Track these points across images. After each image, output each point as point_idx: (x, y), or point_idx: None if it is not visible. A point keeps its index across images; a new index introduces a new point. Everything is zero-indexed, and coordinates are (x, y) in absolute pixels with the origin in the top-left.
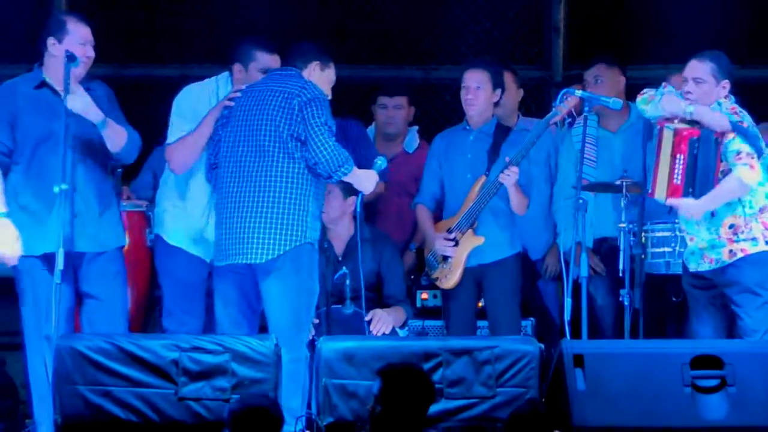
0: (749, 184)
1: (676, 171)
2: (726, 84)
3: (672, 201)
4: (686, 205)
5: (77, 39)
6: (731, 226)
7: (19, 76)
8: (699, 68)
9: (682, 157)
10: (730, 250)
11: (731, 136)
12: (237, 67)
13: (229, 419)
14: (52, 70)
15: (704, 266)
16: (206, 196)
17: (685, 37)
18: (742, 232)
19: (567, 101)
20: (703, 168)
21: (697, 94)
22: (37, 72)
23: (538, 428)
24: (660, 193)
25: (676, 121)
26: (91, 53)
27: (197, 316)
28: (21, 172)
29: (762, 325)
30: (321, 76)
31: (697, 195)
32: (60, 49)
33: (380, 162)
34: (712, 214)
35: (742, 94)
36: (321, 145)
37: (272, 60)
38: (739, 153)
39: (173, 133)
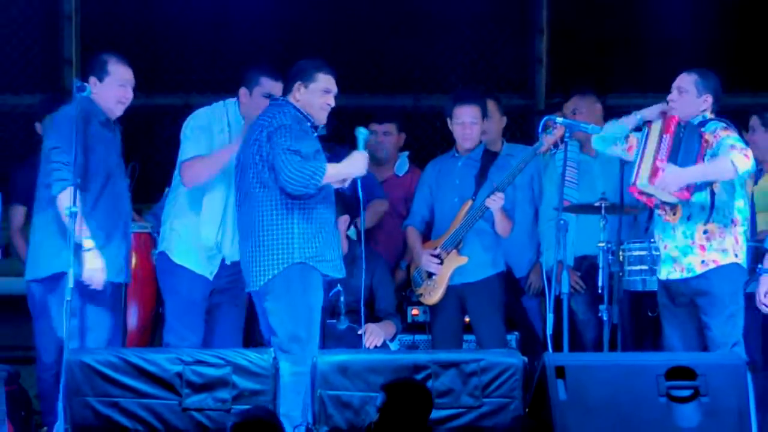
0: (739, 170)
1: (660, 151)
2: (708, 98)
3: (660, 164)
4: (671, 170)
5: (117, 80)
6: (705, 232)
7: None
8: (684, 78)
9: (668, 137)
10: (702, 261)
11: (725, 133)
12: (243, 92)
13: (231, 431)
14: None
15: (675, 275)
16: (220, 215)
17: (660, 67)
18: (715, 240)
19: (554, 133)
20: (685, 153)
21: (678, 103)
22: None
23: None
24: (642, 179)
25: None
26: (130, 95)
27: (197, 332)
28: (90, 201)
29: (730, 338)
30: (306, 94)
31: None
32: (100, 88)
33: (362, 133)
34: (688, 218)
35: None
36: (283, 168)
37: (276, 86)
38: (734, 145)
39: (186, 152)
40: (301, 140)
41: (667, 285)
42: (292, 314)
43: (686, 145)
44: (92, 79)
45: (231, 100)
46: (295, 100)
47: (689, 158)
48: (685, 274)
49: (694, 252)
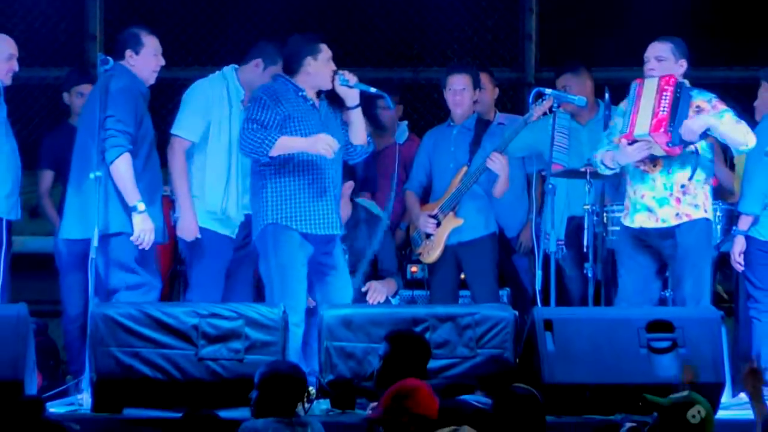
0: (750, 145)
1: (662, 105)
2: (683, 63)
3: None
4: (695, 118)
5: (151, 50)
6: (682, 186)
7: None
8: (660, 47)
9: (668, 94)
10: (677, 213)
11: (724, 106)
12: (256, 62)
13: (259, 382)
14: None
15: (650, 224)
16: (223, 181)
17: (643, 42)
18: (690, 195)
19: (543, 103)
20: (681, 110)
21: (659, 71)
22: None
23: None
24: (641, 129)
25: None
26: (162, 61)
27: (218, 293)
28: (139, 167)
29: (701, 295)
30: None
31: (674, 133)
32: (137, 60)
33: (340, 77)
34: (669, 171)
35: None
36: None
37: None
38: (740, 121)
39: (177, 125)
40: (267, 110)
41: (635, 233)
42: (267, 272)
43: (682, 102)
44: (128, 52)
45: (229, 69)
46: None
47: (683, 115)
48: (659, 224)
49: (670, 204)
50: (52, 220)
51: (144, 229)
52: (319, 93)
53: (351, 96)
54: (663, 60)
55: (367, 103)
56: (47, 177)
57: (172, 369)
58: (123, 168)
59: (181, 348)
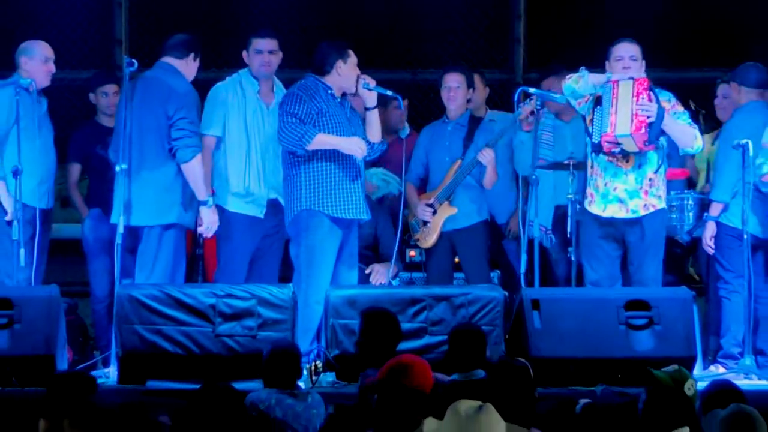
0: (694, 146)
1: (640, 107)
2: (643, 64)
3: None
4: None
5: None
6: (650, 180)
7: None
8: (633, 48)
9: (644, 96)
10: (645, 204)
11: (682, 108)
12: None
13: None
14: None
15: (620, 214)
16: (243, 164)
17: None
18: (654, 187)
19: (529, 102)
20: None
21: (634, 70)
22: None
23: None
24: (622, 129)
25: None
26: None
27: (242, 275)
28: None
29: (658, 275)
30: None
31: (651, 133)
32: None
33: (363, 81)
34: (639, 166)
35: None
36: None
37: None
38: (693, 125)
39: (204, 125)
40: (303, 104)
41: (604, 221)
42: (297, 253)
43: (658, 105)
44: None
45: (244, 71)
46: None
47: (659, 117)
48: (629, 215)
49: (639, 196)
50: (80, 209)
51: (213, 220)
52: (343, 94)
53: (370, 98)
54: (636, 60)
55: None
56: (75, 170)
57: (191, 344)
58: (198, 167)
59: (200, 325)
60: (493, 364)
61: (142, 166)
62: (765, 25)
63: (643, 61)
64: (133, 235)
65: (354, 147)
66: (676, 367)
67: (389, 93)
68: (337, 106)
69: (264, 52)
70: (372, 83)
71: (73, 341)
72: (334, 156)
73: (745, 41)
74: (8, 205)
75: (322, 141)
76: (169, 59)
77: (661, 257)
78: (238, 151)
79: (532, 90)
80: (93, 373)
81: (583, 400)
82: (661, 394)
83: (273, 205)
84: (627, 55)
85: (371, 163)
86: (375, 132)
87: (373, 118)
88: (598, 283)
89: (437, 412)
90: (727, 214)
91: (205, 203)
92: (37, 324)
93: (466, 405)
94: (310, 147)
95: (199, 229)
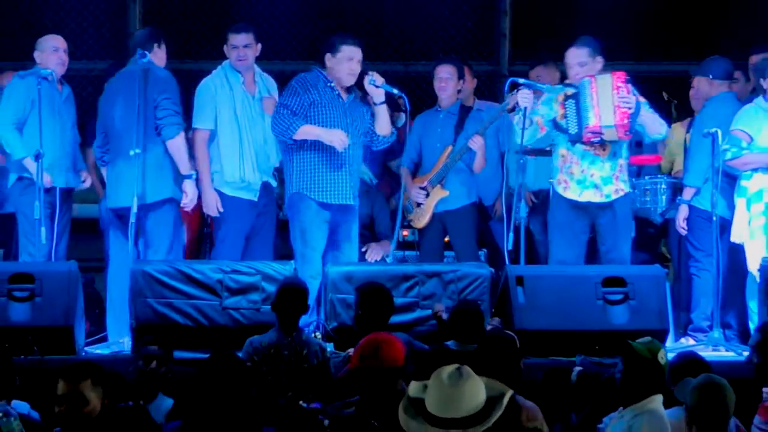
0: (662, 131)
1: (621, 98)
2: (600, 60)
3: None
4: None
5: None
6: (620, 167)
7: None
8: (579, 53)
9: (624, 89)
10: (616, 189)
11: (643, 99)
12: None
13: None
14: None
15: (595, 198)
16: (237, 152)
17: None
18: (623, 173)
19: (517, 93)
20: (636, 105)
21: (583, 75)
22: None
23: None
24: (607, 120)
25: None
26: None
27: (238, 254)
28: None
29: (627, 256)
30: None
31: (632, 122)
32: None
33: (369, 78)
34: (614, 154)
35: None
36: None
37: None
38: (654, 112)
39: (197, 119)
40: (296, 96)
41: (578, 204)
42: (293, 234)
43: (636, 96)
44: (154, 46)
45: (225, 64)
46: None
47: (637, 107)
48: (603, 199)
49: (612, 182)
50: (97, 190)
51: (195, 193)
52: (350, 87)
53: (377, 94)
54: (585, 64)
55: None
56: (92, 153)
57: (200, 317)
58: (182, 142)
59: (208, 299)
60: (484, 337)
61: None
62: (730, 19)
63: (598, 58)
64: (142, 210)
65: (335, 138)
66: (649, 338)
67: (395, 91)
68: (334, 98)
69: (239, 47)
70: (379, 81)
71: (90, 313)
72: (321, 145)
73: (713, 35)
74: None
75: (306, 132)
76: (141, 54)
77: (631, 237)
78: (231, 142)
79: (521, 81)
80: (108, 342)
81: (577, 368)
82: (637, 363)
83: (264, 187)
84: (575, 62)
85: (380, 153)
86: (382, 126)
87: (381, 113)
88: (564, 262)
89: (425, 376)
90: (699, 198)
91: (189, 177)
92: (57, 297)
93: (448, 369)
94: (296, 137)
95: (183, 201)
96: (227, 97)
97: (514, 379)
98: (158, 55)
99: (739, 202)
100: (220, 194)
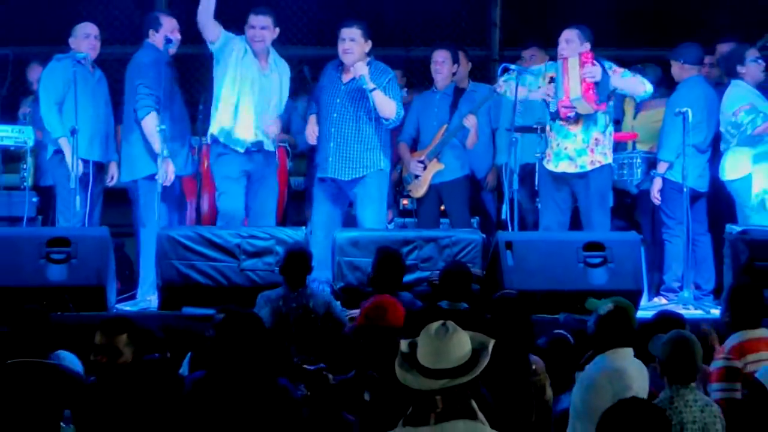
0: (647, 89)
1: (586, 73)
2: (587, 45)
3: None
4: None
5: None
6: (596, 140)
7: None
8: (568, 33)
9: (588, 65)
10: (591, 161)
11: (622, 69)
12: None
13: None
14: None
15: (570, 169)
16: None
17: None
18: (600, 146)
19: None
20: (603, 77)
21: (567, 51)
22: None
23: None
24: (575, 93)
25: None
26: (178, 36)
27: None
28: (166, 120)
29: (606, 226)
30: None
31: (600, 94)
32: (156, 36)
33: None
34: (587, 128)
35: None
36: None
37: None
38: (634, 75)
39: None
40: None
41: (556, 175)
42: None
43: (603, 70)
44: (150, 32)
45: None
46: None
47: (606, 79)
48: (578, 170)
49: (586, 153)
50: None
51: (170, 170)
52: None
53: (367, 85)
54: (571, 42)
55: None
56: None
57: (220, 277)
58: (151, 123)
59: (227, 261)
60: (493, 300)
61: (130, 130)
62: (706, 10)
63: (585, 42)
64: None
65: (308, 130)
66: (615, 298)
67: (366, 86)
68: (334, 81)
69: (256, 27)
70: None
71: (121, 274)
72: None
73: (690, 25)
74: (69, 157)
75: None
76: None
77: (608, 206)
78: (228, 96)
79: (512, 66)
80: (137, 300)
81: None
82: (609, 318)
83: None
84: (563, 39)
85: (394, 131)
86: (382, 110)
87: (376, 99)
88: (549, 227)
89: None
90: (672, 171)
91: (161, 156)
92: (91, 259)
93: (435, 325)
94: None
95: (156, 177)
96: (239, 58)
97: (527, 335)
98: (156, 38)
99: None
100: (215, 140)
